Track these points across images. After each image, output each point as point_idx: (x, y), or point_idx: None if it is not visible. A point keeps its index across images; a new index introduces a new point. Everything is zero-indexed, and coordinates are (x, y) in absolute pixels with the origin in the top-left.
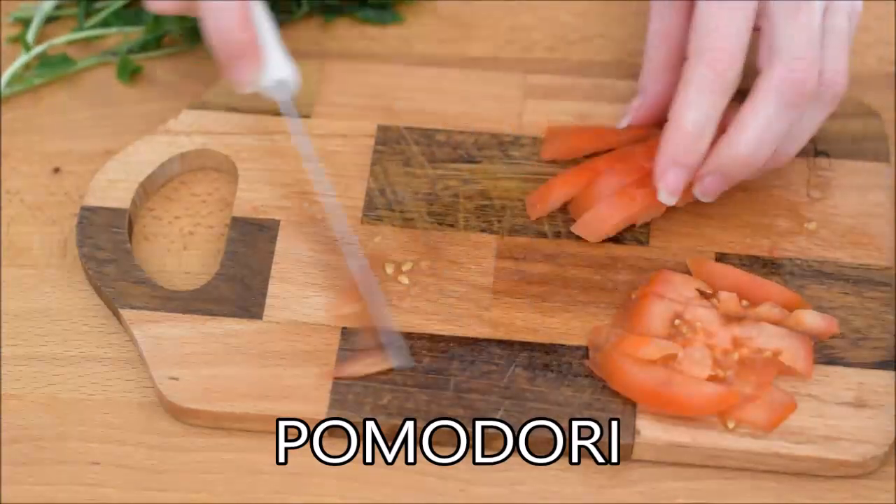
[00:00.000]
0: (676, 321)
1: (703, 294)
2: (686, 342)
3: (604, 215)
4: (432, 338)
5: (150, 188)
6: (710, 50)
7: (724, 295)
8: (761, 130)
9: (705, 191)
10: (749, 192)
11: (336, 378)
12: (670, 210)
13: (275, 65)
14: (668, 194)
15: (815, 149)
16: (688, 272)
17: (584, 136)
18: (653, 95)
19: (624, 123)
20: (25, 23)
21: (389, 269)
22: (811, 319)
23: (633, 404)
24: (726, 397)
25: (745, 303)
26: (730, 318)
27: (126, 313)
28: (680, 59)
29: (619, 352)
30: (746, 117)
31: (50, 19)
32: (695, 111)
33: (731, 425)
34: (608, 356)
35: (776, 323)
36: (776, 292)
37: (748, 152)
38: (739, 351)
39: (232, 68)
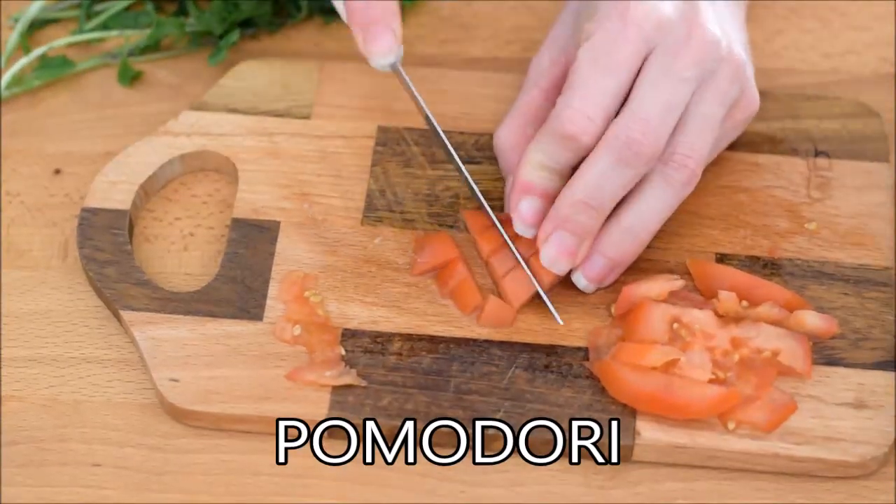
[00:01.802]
0: (675, 325)
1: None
2: (685, 345)
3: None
4: (432, 339)
5: (150, 189)
6: (568, 111)
7: (723, 295)
8: (595, 179)
9: (551, 256)
10: (749, 192)
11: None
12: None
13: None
14: (523, 224)
15: (816, 149)
16: (687, 272)
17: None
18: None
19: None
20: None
21: (389, 270)
22: (811, 320)
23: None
24: (726, 399)
25: (744, 303)
26: (728, 320)
27: (126, 315)
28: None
29: (618, 361)
30: (584, 166)
31: (50, 21)
32: (541, 154)
33: (731, 426)
34: (607, 365)
35: (776, 323)
36: (776, 293)
37: (583, 198)
38: (739, 352)
39: (369, 42)
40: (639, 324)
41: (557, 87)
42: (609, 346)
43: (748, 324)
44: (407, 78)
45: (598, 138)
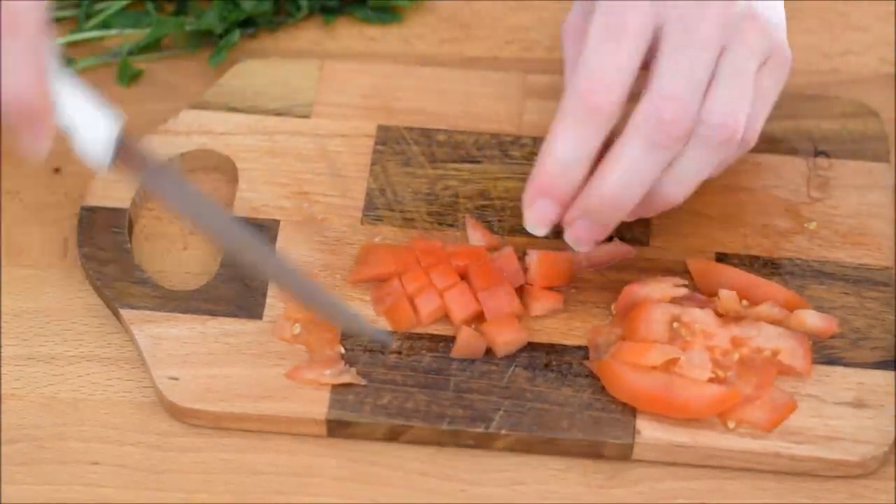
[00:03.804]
0: (675, 324)
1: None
2: (685, 345)
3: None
4: (432, 338)
5: None
6: (586, 82)
7: (724, 294)
8: (626, 170)
9: (577, 237)
10: (749, 192)
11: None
12: (670, 210)
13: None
14: (534, 224)
15: (816, 149)
16: (687, 272)
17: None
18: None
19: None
20: None
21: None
22: (811, 319)
23: None
24: (727, 398)
25: (744, 303)
26: (728, 319)
27: (126, 313)
28: None
29: (618, 360)
30: (612, 157)
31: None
32: (564, 143)
33: (731, 425)
34: (607, 364)
35: (776, 323)
36: (776, 292)
37: (614, 193)
38: (739, 351)
39: (22, 139)
40: (639, 323)
41: None
42: (609, 345)
43: (748, 323)
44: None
45: (621, 110)
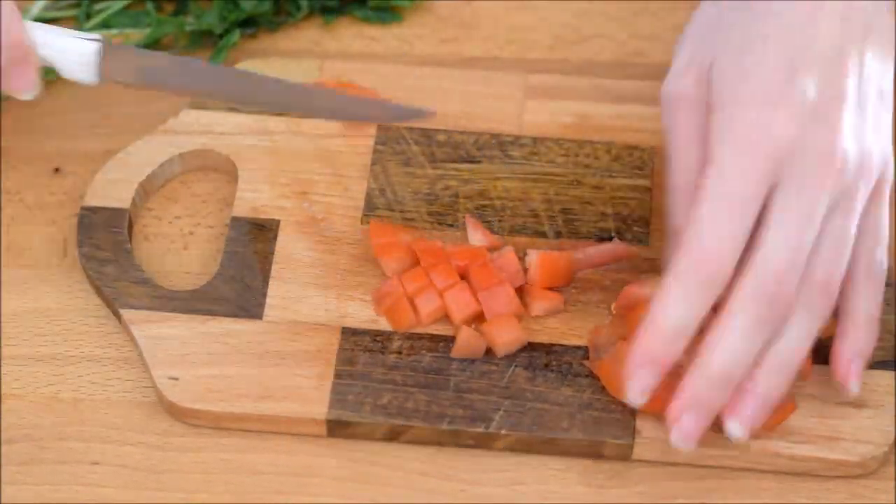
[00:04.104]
0: None
1: None
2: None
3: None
4: (432, 338)
5: (150, 188)
6: (701, 251)
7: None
8: (734, 349)
9: (686, 433)
10: None
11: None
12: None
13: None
14: (637, 394)
15: None
16: None
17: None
18: None
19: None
20: None
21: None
22: None
23: None
24: None
25: None
26: None
27: (126, 313)
28: None
29: (618, 360)
30: (716, 334)
31: (50, 20)
32: (675, 311)
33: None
34: (607, 365)
35: None
36: None
37: (723, 375)
38: None
39: (8, 81)
40: (639, 322)
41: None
42: (609, 345)
43: None
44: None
45: (729, 277)
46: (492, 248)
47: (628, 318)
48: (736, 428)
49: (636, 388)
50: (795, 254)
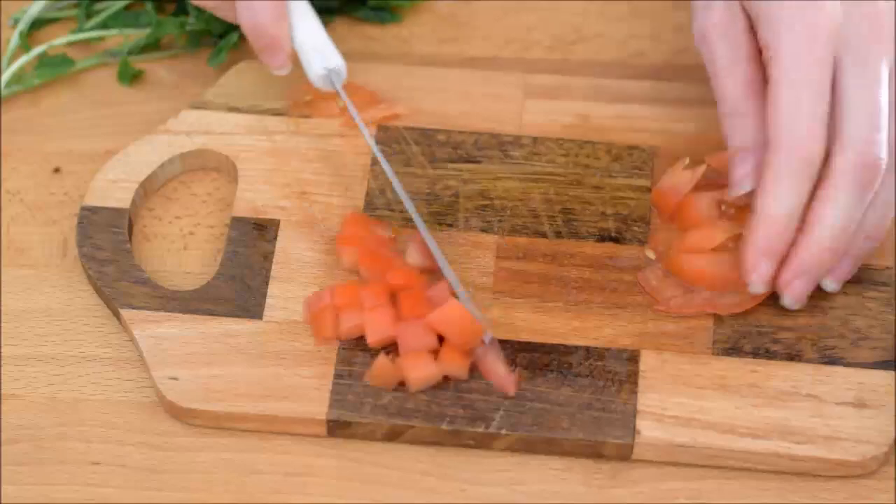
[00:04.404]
0: (722, 207)
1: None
2: (738, 221)
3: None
4: None
5: (150, 188)
6: (791, 136)
7: None
8: (840, 218)
9: (797, 297)
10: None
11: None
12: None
13: (320, 57)
14: (762, 285)
15: None
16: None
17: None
18: (757, 146)
19: (742, 191)
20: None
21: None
22: None
23: (634, 404)
24: (756, 297)
25: None
26: None
27: (126, 313)
28: (762, 83)
29: (684, 250)
30: (822, 209)
31: (50, 20)
32: (782, 201)
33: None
34: (674, 259)
35: None
36: None
37: (831, 243)
38: None
39: (264, 59)
40: (691, 214)
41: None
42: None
43: None
44: (345, 95)
45: (823, 155)
46: (428, 272)
47: (679, 216)
48: (832, 284)
49: (759, 281)
50: (877, 119)
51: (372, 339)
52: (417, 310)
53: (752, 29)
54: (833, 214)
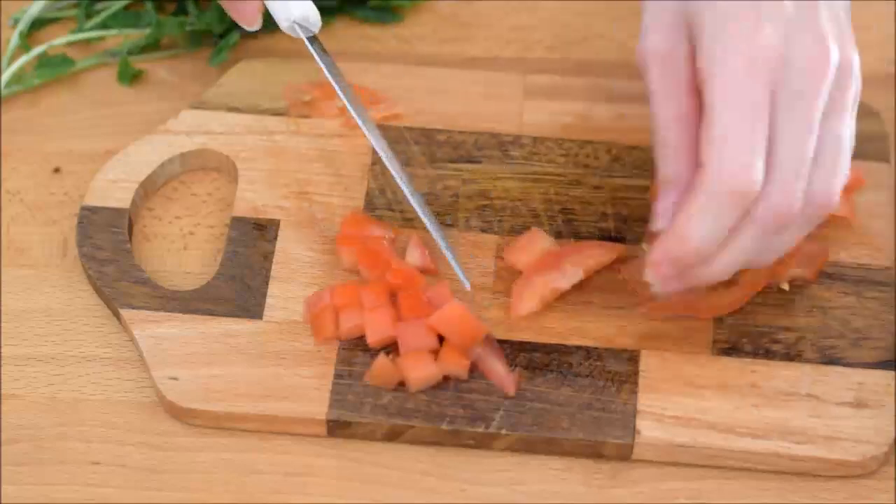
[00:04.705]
0: None
1: None
2: None
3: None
4: None
5: (150, 188)
6: (721, 166)
7: None
8: (739, 254)
9: (665, 287)
10: None
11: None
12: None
13: (282, 6)
14: (656, 283)
15: None
16: None
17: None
18: (681, 180)
19: (660, 226)
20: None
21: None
22: None
23: (634, 404)
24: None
25: None
26: None
27: (126, 313)
28: (696, 116)
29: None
30: (728, 242)
31: (50, 20)
32: (698, 230)
33: (785, 286)
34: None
35: None
36: None
37: (722, 273)
38: None
39: (233, 12)
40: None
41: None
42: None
43: None
44: (315, 52)
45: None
46: (427, 272)
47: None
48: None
49: (654, 278)
50: (802, 163)
51: (372, 339)
52: (417, 310)
53: (694, 55)
54: (733, 249)
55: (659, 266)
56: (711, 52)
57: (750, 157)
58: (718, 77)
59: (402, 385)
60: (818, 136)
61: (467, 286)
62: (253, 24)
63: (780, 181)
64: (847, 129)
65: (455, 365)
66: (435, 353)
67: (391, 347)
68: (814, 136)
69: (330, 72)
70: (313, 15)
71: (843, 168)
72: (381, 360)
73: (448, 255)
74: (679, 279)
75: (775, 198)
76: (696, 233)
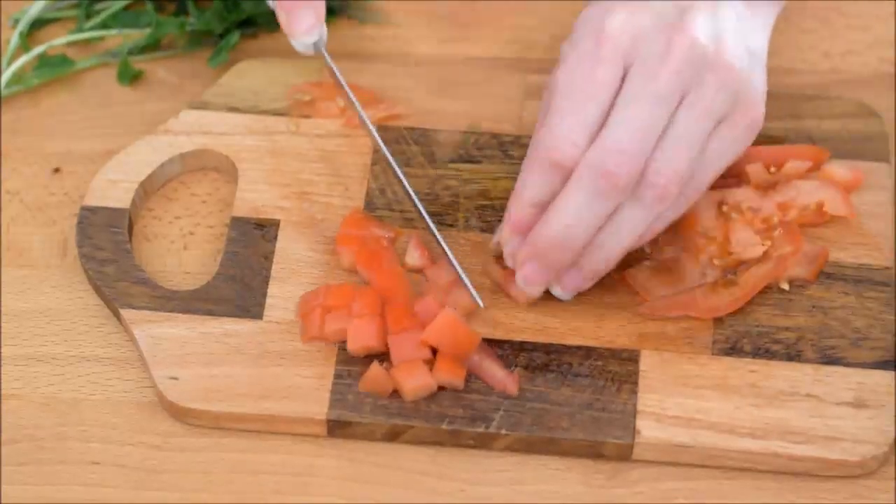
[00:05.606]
0: (723, 207)
1: None
2: (734, 225)
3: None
4: None
5: (150, 188)
6: (550, 139)
7: (750, 168)
8: (570, 215)
9: (526, 278)
10: None
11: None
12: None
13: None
14: (510, 259)
15: None
16: None
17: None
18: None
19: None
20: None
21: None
22: (838, 171)
23: (634, 404)
24: (737, 301)
25: (773, 169)
26: (766, 188)
27: (126, 313)
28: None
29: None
30: (558, 202)
31: (50, 20)
32: (532, 189)
33: (785, 286)
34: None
35: (806, 175)
36: (796, 151)
37: (558, 236)
38: (783, 214)
39: (293, 21)
40: (691, 213)
41: None
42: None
43: (784, 186)
44: (329, 59)
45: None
46: (424, 269)
47: (679, 221)
48: (559, 292)
49: (508, 254)
50: (638, 135)
51: (352, 346)
52: (402, 324)
53: None
54: (563, 207)
55: (509, 237)
56: (570, 38)
57: (574, 135)
58: (569, 57)
59: (396, 393)
60: (663, 123)
61: (481, 304)
62: (310, 33)
63: (607, 142)
64: (698, 128)
65: (450, 375)
66: (429, 363)
67: (385, 356)
68: (649, 116)
69: (340, 76)
70: (325, 33)
71: (682, 160)
72: (374, 368)
73: (462, 275)
74: (529, 258)
75: (602, 156)
76: (526, 196)
